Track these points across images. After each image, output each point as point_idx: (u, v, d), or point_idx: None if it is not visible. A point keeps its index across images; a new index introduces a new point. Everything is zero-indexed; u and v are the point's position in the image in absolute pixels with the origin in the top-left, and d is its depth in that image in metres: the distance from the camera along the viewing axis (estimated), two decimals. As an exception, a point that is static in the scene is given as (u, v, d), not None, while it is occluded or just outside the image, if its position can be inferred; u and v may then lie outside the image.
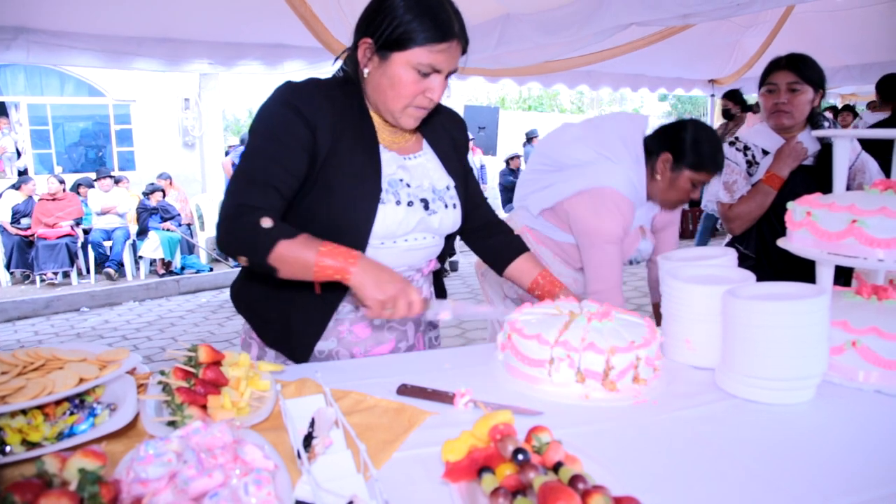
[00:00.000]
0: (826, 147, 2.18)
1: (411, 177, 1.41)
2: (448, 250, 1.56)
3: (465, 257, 7.71)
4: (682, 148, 1.84)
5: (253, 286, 1.45)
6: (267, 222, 1.21)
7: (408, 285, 1.24)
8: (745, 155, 2.26)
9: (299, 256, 1.20)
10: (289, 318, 1.41)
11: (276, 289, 1.37)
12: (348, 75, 1.38)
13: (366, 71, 1.32)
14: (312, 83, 1.35)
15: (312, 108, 1.29)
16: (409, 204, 1.38)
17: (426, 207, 1.40)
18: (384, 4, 1.26)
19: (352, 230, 1.33)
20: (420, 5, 1.24)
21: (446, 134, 1.53)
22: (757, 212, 2.18)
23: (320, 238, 1.24)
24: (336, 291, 1.37)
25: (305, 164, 1.30)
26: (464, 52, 1.32)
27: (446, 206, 1.45)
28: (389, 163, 1.39)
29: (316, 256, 1.20)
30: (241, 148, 8.59)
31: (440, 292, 1.64)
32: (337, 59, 1.43)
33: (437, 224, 1.43)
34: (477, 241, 1.65)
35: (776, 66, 2.19)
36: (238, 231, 1.24)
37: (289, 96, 1.30)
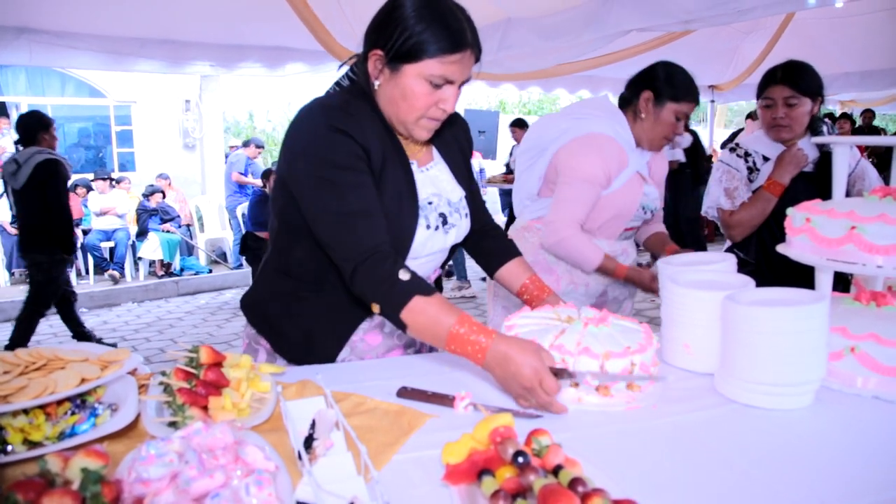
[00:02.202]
0: (825, 154, 2.18)
1: (436, 195, 1.40)
2: (451, 256, 1.57)
3: (466, 262, 7.71)
4: (660, 83, 1.97)
5: (271, 302, 1.43)
6: (405, 274, 1.18)
7: (537, 363, 1.10)
8: (746, 161, 2.25)
9: (434, 317, 1.16)
10: (311, 334, 1.41)
11: (297, 308, 1.38)
12: (358, 86, 1.34)
13: (377, 83, 1.29)
14: (347, 104, 1.29)
15: (361, 130, 1.26)
16: (436, 228, 1.38)
17: (444, 222, 1.40)
18: (394, 14, 1.22)
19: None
20: (431, 14, 1.20)
21: (454, 140, 1.52)
22: (758, 219, 2.18)
23: None
24: (361, 306, 1.33)
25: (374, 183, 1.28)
26: (477, 60, 1.28)
27: (461, 217, 1.46)
28: (424, 184, 1.38)
29: (454, 324, 1.14)
30: (241, 151, 8.59)
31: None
32: (342, 65, 1.41)
33: (452, 238, 1.44)
34: (471, 243, 1.65)
35: (772, 79, 2.17)
36: (375, 279, 1.20)
37: (333, 120, 1.25)
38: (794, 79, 2.12)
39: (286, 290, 1.40)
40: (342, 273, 1.24)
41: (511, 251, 1.63)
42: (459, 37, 1.22)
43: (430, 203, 1.38)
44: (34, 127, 4.29)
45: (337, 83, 1.41)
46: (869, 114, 9.92)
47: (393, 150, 1.34)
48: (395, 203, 1.31)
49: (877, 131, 10.10)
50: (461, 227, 1.46)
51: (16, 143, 4.33)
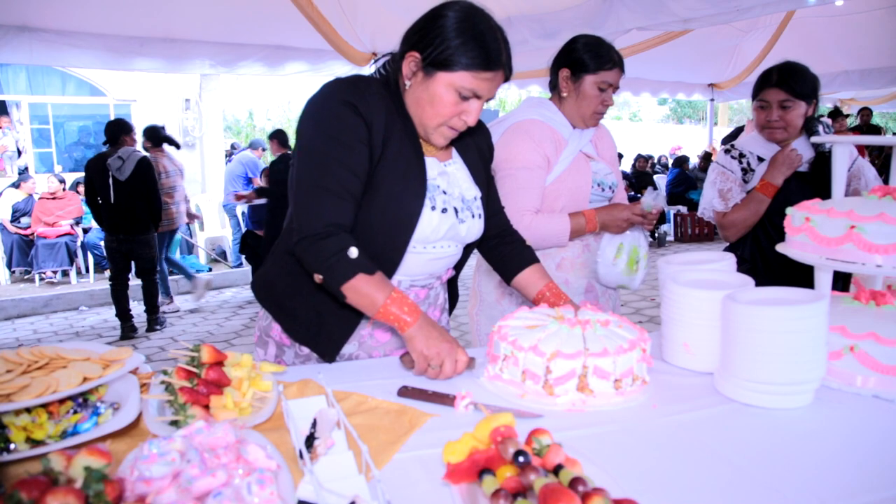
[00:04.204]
0: (820, 155, 2.19)
1: (448, 184, 1.43)
2: (465, 259, 1.57)
3: (465, 259, 7.68)
4: (574, 58, 1.94)
5: (283, 283, 1.45)
6: (353, 252, 1.24)
7: (455, 346, 1.27)
8: (741, 162, 2.26)
9: (370, 294, 1.25)
10: (321, 317, 1.42)
11: (309, 287, 1.38)
12: (386, 80, 1.38)
13: (408, 83, 1.33)
14: (361, 80, 1.36)
15: (367, 105, 1.30)
16: (444, 211, 1.39)
17: (456, 215, 1.42)
18: (437, 23, 1.27)
19: (395, 232, 1.34)
20: (473, 30, 1.26)
21: (473, 144, 1.54)
22: (751, 219, 2.19)
23: (361, 238, 1.28)
24: None
25: (368, 161, 1.31)
26: (506, 80, 1.33)
27: (473, 216, 1.46)
28: (432, 166, 1.40)
29: (385, 300, 1.25)
30: (248, 152, 8.61)
31: (453, 297, 1.66)
32: (374, 62, 1.44)
33: (464, 233, 1.44)
34: (488, 249, 1.66)
35: (767, 81, 2.17)
36: (323, 253, 1.26)
37: (342, 94, 1.30)
38: (790, 82, 2.12)
39: (297, 271, 1.40)
40: (293, 238, 1.30)
41: (529, 258, 1.62)
42: (496, 56, 1.27)
43: (438, 186, 1.40)
44: (117, 132, 5.25)
45: (371, 76, 1.44)
46: (866, 112, 9.84)
47: (404, 131, 1.36)
48: (400, 180, 1.33)
49: (877, 130, 10.02)
50: (473, 226, 1.47)
51: (104, 143, 5.28)
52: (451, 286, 1.65)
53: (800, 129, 2.18)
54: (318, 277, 1.28)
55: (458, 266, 1.58)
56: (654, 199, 1.95)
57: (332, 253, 1.24)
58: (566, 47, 1.98)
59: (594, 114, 1.97)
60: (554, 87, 2.02)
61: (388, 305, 1.25)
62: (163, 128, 6.19)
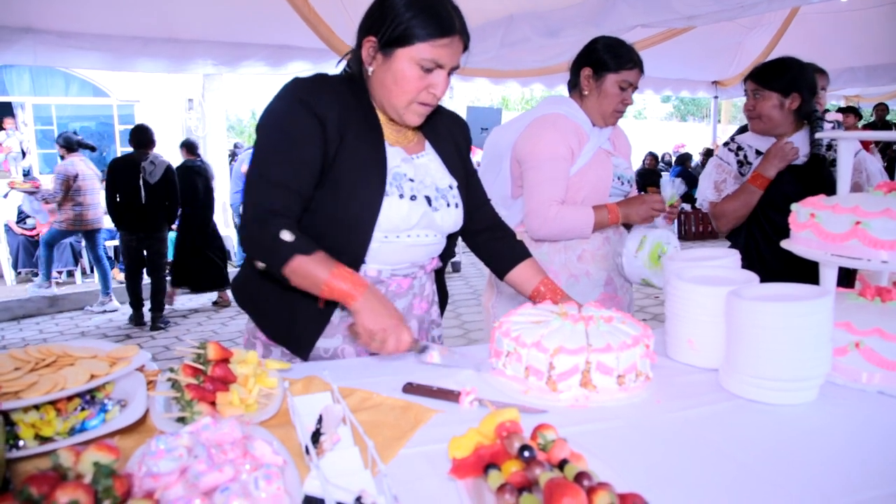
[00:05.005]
0: (814, 156, 2.19)
1: (415, 171, 1.43)
2: (449, 250, 1.57)
3: (468, 257, 7.72)
4: (596, 57, 2.01)
5: (257, 281, 1.46)
6: (287, 235, 1.25)
7: (402, 323, 1.28)
8: (737, 155, 2.30)
9: (311, 273, 1.26)
10: (293, 314, 1.42)
11: (278, 285, 1.38)
12: (352, 75, 1.40)
13: (370, 69, 1.34)
14: (319, 77, 1.38)
15: (321, 102, 1.32)
16: (413, 198, 1.39)
17: (429, 204, 1.42)
18: (387, 3, 1.29)
19: (357, 223, 1.35)
20: (421, 3, 1.28)
21: (449, 136, 1.55)
22: (742, 210, 2.21)
23: (325, 232, 1.29)
24: None
25: (319, 158, 1.32)
26: (465, 48, 1.35)
27: (448, 205, 1.46)
28: (394, 156, 1.41)
29: (327, 276, 1.25)
30: (251, 151, 8.64)
31: (442, 291, 1.65)
32: (341, 60, 1.45)
33: (440, 221, 1.44)
34: (478, 244, 1.66)
35: (749, 74, 2.28)
36: (259, 238, 1.28)
37: (296, 91, 1.33)
38: (762, 74, 2.22)
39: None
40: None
41: (521, 253, 1.62)
42: (448, 22, 1.29)
43: (404, 174, 1.40)
44: (147, 139, 5.72)
45: (338, 75, 1.45)
46: (882, 107, 9.77)
47: (364, 125, 1.38)
48: (359, 174, 1.35)
49: (892, 127, 9.94)
50: (448, 215, 1.46)
51: (135, 146, 5.68)
52: (440, 283, 1.64)
53: (788, 121, 2.20)
54: (259, 265, 1.30)
55: (445, 258, 1.58)
56: (674, 189, 2.02)
57: (268, 239, 1.26)
58: (587, 48, 2.04)
59: (614, 112, 2.03)
60: (574, 86, 2.09)
61: (330, 282, 1.25)
62: (75, 132, 6.50)
